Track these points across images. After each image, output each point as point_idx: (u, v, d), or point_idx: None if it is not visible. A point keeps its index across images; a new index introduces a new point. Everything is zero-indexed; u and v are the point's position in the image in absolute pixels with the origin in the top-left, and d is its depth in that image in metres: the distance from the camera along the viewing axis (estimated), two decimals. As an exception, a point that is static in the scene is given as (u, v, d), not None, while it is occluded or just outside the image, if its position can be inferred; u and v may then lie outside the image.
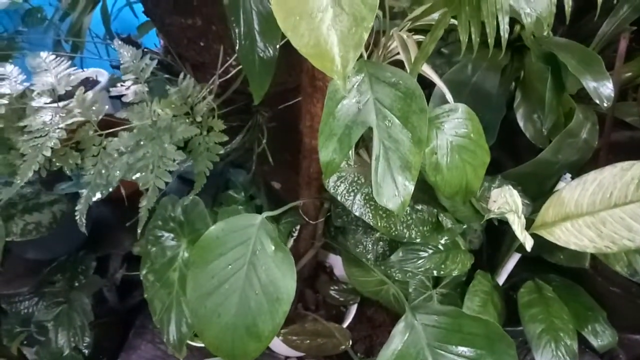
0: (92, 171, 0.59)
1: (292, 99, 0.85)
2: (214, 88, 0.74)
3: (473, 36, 0.62)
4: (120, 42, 0.66)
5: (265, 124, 0.85)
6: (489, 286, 0.94)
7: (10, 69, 0.66)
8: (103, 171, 0.59)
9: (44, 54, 0.68)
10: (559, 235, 0.84)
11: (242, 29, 0.63)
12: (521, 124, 1.03)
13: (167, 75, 0.80)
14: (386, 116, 0.62)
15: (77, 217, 0.60)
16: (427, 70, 0.78)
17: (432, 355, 0.70)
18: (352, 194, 0.81)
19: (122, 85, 0.70)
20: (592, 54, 0.91)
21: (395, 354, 0.70)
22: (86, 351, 1.11)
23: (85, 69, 1.14)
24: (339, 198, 0.80)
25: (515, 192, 0.77)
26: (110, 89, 1.28)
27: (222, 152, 0.69)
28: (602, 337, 0.89)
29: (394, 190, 0.62)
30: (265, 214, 0.68)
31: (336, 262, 1.20)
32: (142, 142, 0.63)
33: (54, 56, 0.69)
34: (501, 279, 1.06)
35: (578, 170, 1.00)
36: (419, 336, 0.71)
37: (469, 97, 1.00)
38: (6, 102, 0.60)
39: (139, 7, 1.43)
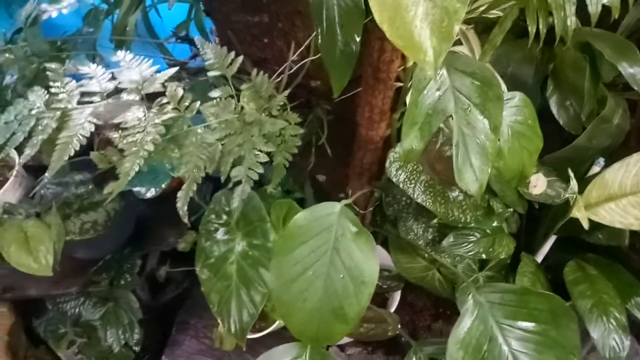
0: (190, 164, 0.61)
1: (348, 91, 0.88)
2: (282, 83, 0.77)
3: (540, 27, 0.66)
4: (202, 40, 0.68)
5: (325, 117, 0.88)
6: (533, 267, 0.98)
7: (94, 67, 0.68)
8: (200, 164, 0.61)
9: (121, 53, 0.70)
10: (603, 215, 0.89)
11: (324, 24, 0.65)
12: (554, 111, 1.07)
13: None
14: (464, 104, 0.65)
15: (179, 210, 0.62)
16: (481, 61, 0.82)
17: (500, 332, 0.73)
18: (412, 181, 0.84)
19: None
20: (625, 42, 0.95)
21: (465, 332, 0.74)
22: (136, 348, 1.12)
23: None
24: (400, 186, 0.83)
25: (572, 175, 0.81)
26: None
27: (299, 143, 0.72)
28: (646, 310, 0.94)
29: (473, 175, 0.65)
30: (344, 201, 0.71)
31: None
32: (228, 136, 0.65)
33: (131, 55, 0.70)
34: (538, 261, 1.11)
35: (610, 154, 1.05)
36: (487, 314, 0.75)
37: (505, 86, 1.04)
38: (105, 101, 0.62)
39: (163, 8, 1.44)
